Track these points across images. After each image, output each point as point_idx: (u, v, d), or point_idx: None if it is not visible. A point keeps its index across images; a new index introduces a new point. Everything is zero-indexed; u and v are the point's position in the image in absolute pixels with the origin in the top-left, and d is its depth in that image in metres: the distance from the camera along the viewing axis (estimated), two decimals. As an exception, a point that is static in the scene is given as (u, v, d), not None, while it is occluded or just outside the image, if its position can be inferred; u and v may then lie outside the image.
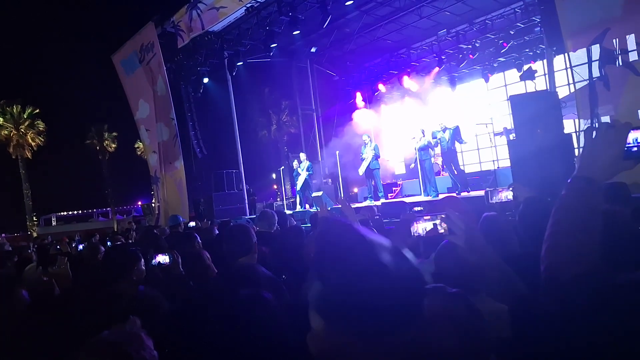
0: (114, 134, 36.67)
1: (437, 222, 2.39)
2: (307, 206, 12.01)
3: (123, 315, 1.75)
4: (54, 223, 37.52)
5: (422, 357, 0.66)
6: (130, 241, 6.64)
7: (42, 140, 32.15)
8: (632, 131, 1.05)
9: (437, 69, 15.00)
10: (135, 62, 14.01)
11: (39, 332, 1.96)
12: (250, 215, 12.86)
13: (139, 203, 34.43)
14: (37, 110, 32.11)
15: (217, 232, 4.43)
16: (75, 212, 40.42)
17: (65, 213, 39.63)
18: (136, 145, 37.39)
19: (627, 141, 1.04)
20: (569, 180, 1.13)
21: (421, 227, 2.40)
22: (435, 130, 10.37)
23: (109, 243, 5.68)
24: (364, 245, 0.69)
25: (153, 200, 17.80)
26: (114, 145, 36.61)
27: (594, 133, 1.10)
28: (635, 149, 1.04)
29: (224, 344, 1.52)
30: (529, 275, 1.33)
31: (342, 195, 12.67)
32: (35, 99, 33.89)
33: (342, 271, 0.66)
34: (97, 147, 36.07)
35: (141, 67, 13.85)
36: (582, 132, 6.09)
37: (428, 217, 2.46)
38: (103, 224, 33.68)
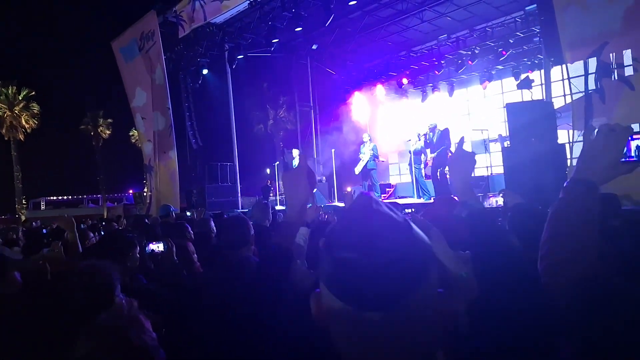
0: (109, 120, 36.41)
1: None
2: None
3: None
4: (42, 207, 37.17)
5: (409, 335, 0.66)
6: (120, 228, 6.62)
7: (36, 122, 31.86)
8: (631, 138, 1.06)
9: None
10: (135, 49, 13.92)
11: (31, 314, 1.97)
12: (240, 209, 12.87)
13: (131, 191, 34.25)
14: (33, 93, 31.81)
15: (212, 224, 4.43)
16: (65, 197, 40.08)
17: (54, 198, 39.29)
18: (131, 133, 37.13)
19: (627, 148, 1.05)
20: (565, 183, 1.13)
21: None
22: (422, 132, 10.42)
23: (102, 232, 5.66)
24: (378, 218, 0.69)
25: (145, 189, 17.73)
26: (108, 132, 36.33)
27: (594, 135, 1.10)
28: (634, 155, 1.05)
29: (217, 329, 1.55)
30: (520, 279, 1.37)
31: (336, 194, 12.72)
32: (31, 81, 33.66)
33: (355, 242, 0.66)
34: (92, 133, 35.78)
35: (140, 55, 13.77)
36: (582, 135, 6.16)
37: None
38: (93, 211, 33.45)
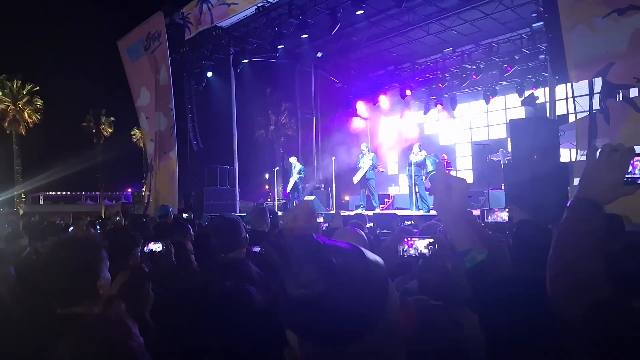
0: (112, 118, 36.47)
1: (426, 243, 2.42)
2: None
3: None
4: (41, 202, 37.09)
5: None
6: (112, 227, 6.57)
7: (39, 117, 31.87)
8: (635, 159, 1.06)
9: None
10: (141, 49, 13.96)
11: (26, 309, 1.94)
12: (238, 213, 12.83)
13: (129, 190, 34.19)
14: (37, 88, 31.86)
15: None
16: (64, 193, 39.99)
17: (53, 193, 39.20)
18: (132, 132, 37.20)
19: (632, 168, 1.05)
20: (569, 202, 1.12)
21: (410, 246, 2.44)
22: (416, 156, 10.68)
23: (98, 228, 5.62)
24: (320, 252, 0.67)
25: (144, 189, 17.69)
26: (110, 130, 36.38)
27: (597, 154, 1.10)
28: (636, 177, 1.05)
29: (208, 334, 1.51)
30: (523, 298, 1.34)
31: (334, 202, 12.70)
32: (36, 76, 33.70)
33: (301, 280, 0.64)
34: (93, 131, 35.81)
35: (146, 55, 13.80)
36: (585, 154, 6.17)
37: (417, 239, 2.50)
38: (91, 208, 33.36)
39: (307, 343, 0.65)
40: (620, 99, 6.12)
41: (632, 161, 1.05)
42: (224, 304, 1.60)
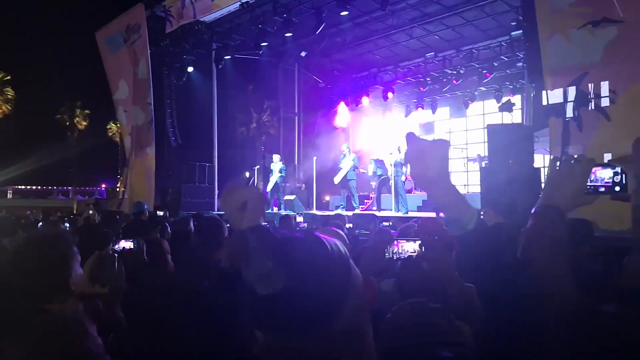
0: (87, 111, 35.57)
1: (415, 246, 2.44)
2: (276, 209, 11.95)
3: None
4: (9, 196, 35.91)
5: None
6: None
7: (9, 108, 30.85)
8: (595, 168, 1.11)
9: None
10: (120, 41, 13.68)
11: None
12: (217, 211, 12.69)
13: (103, 186, 33.46)
14: (9, 77, 30.82)
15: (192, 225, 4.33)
16: (35, 187, 38.83)
17: (23, 187, 38.02)
18: (108, 127, 36.36)
19: (591, 177, 1.10)
20: (534, 210, 1.15)
21: (399, 248, 2.45)
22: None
23: (67, 225, 5.47)
24: (279, 245, 0.67)
25: (119, 184, 17.32)
26: (84, 123, 35.45)
27: (558, 164, 1.14)
28: (598, 185, 1.10)
29: (182, 335, 1.49)
30: (496, 301, 1.35)
31: (315, 202, 12.70)
32: (8, 65, 32.58)
33: (261, 275, 0.64)
34: (67, 123, 34.87)
35: (125, 47, 13.54)
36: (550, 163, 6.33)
37: (404, 241, 2.51)
38: (63, 203, 32.48)
39: (271, 336, 0.65)
40: (593, 107, 6.31)
41: (593, 171, 1.09)
42: (203, 304, 1.57)
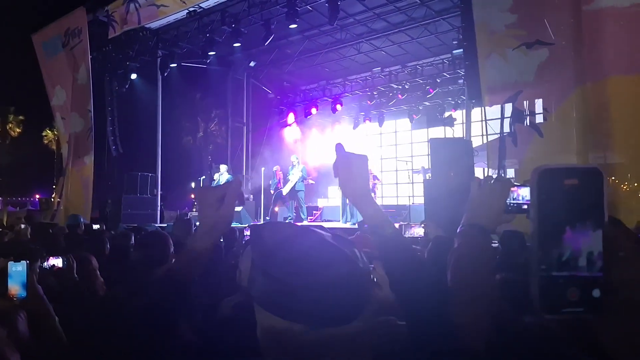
0: (21, 117, 33.33)
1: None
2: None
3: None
4: None
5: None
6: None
7: None
8: (513, 188, 1.14)
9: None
10: (58, 45, 12.96)
11: None
12: (160, 223, 12.21)
13: (37, 196, 31.32)
14: None
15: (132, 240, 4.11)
16: (-42, 197, 35.66)
17: (-57, 197, 34.81)
18: (44, 134, 34.24)
19: (514, 195, 1.12)
20: (459, 229, 1.18)
21: None
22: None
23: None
24: (308, 238, 0.73)
25: (53, 195, 16.29)
26: (18, 130, 33.22)
27: (479, 184, 1.17)
28: (521, 203, 1.12)
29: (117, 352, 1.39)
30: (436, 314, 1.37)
31: (262, 213, 12.55)
32: None
33: (289, 264, 0.69)
34: (-2, 129, 32.51)
35: (63, 52, 12.83)
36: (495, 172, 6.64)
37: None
38: (-10, 215, 30.01)
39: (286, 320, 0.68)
40: (527, 124, 6.72)
41: (514, 189, 1.12)
42: (134, 323, 1.48)
